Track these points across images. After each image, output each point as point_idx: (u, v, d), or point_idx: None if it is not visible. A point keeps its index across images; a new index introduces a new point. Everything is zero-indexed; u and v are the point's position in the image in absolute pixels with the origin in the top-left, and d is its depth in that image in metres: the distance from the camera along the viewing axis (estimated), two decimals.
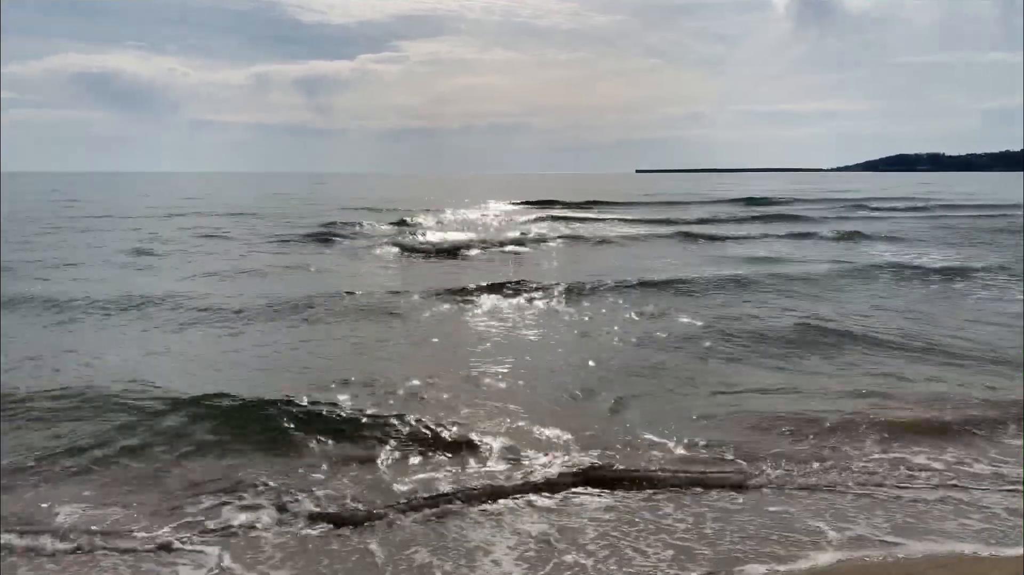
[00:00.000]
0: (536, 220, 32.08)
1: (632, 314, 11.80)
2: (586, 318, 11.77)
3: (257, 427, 6.45)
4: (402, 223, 29.16)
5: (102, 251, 20.06)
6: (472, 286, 13.92)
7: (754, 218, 33.81)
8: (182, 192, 64.98)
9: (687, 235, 25.02)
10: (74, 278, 15.39)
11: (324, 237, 23.80)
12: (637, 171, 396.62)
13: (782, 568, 4.35)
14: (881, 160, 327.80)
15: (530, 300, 13.07)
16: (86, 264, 17.62)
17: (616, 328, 10.86)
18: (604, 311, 12.18)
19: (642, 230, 27.69)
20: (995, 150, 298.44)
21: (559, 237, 24.27)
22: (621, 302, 12.85)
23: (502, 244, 22.14)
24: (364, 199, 51.28)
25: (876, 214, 36.24)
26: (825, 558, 4.47)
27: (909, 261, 18.08)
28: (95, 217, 32.71)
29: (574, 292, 13.58)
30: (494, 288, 13.74)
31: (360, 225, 27.27)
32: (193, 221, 30.56)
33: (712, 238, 24.48)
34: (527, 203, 44.14)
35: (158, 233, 24.71)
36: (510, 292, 13.50)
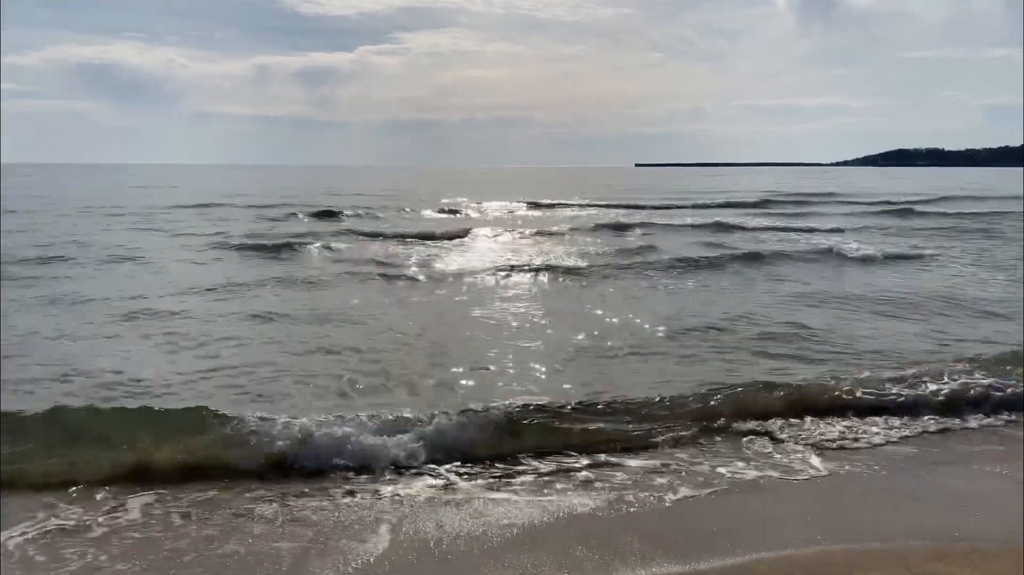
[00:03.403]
0: (642, 229, 25.14)
1: None
2: None
3: None
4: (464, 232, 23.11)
5: None
6: None
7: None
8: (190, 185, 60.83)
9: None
10: None
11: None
12: (636, 165, 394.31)
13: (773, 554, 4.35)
14: (880, 155, 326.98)
15: None
16: None
17: None
18: None
19: (815, 240, 21.09)
20: (994, 145, 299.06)
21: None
22: None
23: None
24: (404, 195, 47.34)
25: None
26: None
27: None
28: None
29: None
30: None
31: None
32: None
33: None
34: (608, 205, 37.56)
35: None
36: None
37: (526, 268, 15.34)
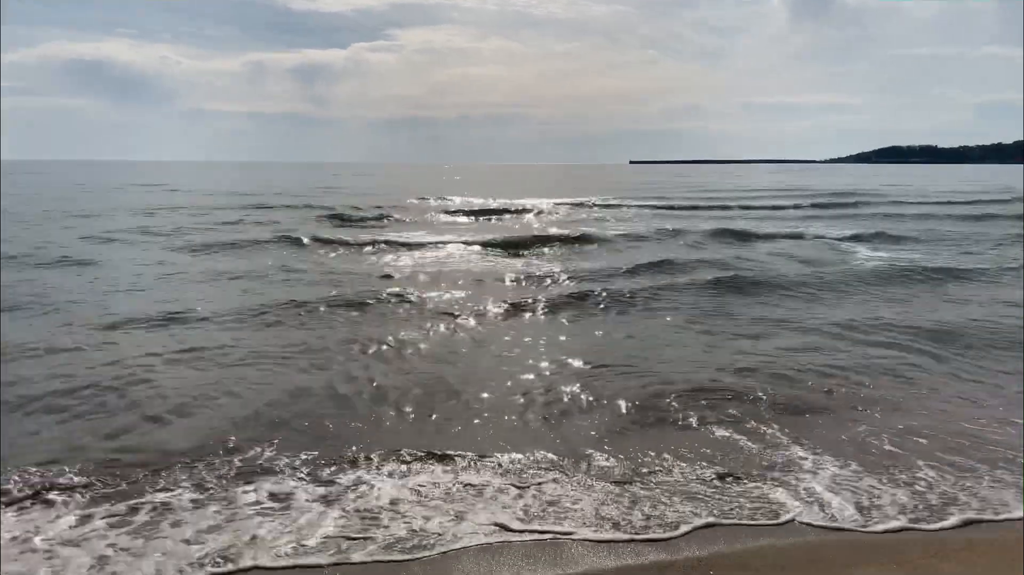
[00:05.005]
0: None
1: None
2: None
3: None
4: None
5: None
6: None
7: None
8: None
9: None
10: None
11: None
12: (631, 162, 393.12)
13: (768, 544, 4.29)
14: (874, 152, 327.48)
15: None
16: None
17: None
18: None
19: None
20: (987, 143, 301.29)
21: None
22: None
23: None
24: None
25: None
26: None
27: None
28: None
29: None
30: None
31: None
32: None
33: None
34: (661, 206, 33.39)
35: None
36: None
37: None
